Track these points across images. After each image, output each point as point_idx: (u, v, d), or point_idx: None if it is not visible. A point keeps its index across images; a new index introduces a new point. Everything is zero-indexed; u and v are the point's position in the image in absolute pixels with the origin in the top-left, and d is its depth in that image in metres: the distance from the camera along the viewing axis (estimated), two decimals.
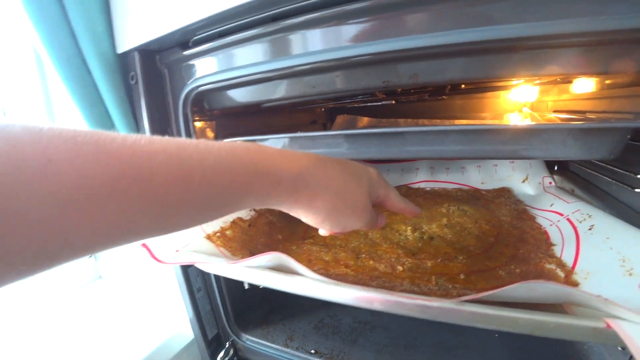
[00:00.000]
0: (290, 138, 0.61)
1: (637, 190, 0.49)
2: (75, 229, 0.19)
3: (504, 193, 0.70)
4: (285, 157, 0.30)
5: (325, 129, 0.98)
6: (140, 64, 0.58)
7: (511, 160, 0.75)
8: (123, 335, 0.78)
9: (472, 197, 0.70)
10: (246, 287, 0.71)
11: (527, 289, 0.31)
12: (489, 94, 0.84)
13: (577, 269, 0.42)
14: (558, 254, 0.46)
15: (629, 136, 0.48)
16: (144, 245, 0.47)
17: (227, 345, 0.76)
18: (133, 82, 0.60)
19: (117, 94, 0.60)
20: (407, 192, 0.76)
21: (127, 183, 0.21)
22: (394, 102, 0.81)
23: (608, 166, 0.58)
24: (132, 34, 0.57)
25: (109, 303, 0.91)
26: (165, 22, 0.52)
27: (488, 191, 0.72)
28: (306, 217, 0.33)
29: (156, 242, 0.48)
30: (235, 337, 0.75)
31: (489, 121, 0.84)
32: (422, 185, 0.79)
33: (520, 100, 0.83)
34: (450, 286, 0.40)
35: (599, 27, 0.34)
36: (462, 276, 0.42)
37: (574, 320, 0.30)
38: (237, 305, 0.74)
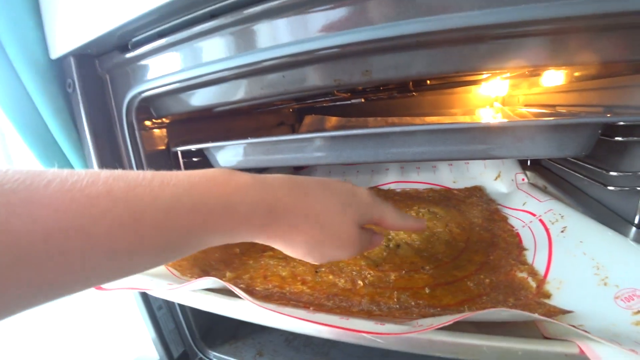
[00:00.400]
0: (250, 144, 0.57)
1: (609, 188, 0.46)
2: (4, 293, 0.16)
3: (476, 192, 0.67)
4: (256, 187, 0.26)
5: (293, 130, 0.94)
6: (77, 69, 0.54)
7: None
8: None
9: (443, 197, 0.67)
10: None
11: (492, 313, 0.28)
12: (459, 89, 0.81)
13: (549, 277, 0.40)
14: (530, 260, 0.44)
15: (600, 131, 0.46)
16: None
17: None
18: (70, 90, 0.54)
19: (54, 103, 0.55)
20: (377, 194, 0.73)
21: (64, 238, 0.17)
22: (363, 100, 0.78)
23: (580, 162, 0.56)
24: (65, 37, 0.52)
25: (62, 327, 0.85)
26: (99, 22, 0.48)
27: (460, 190, 0.70)
28: (285, 251, 0.30)
29: None
30: (202, 355, 0.71)
31: (451, 118, 0.81)
32: (392, 186, 0.76)
33: (491, 95, 0.80)
34: (412, 303, 0.37)
35: (562, 13, 0.31)
36: (427, 290, 0.39)
37: (544, 345, 0.27)
38: (202, 321, 0.70)
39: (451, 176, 0.74)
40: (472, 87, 0.81)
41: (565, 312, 0.32)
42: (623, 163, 0.48)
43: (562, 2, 0.32)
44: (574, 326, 0.27)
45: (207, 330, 0.72)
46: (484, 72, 0.53)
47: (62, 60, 0.54)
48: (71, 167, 0.61)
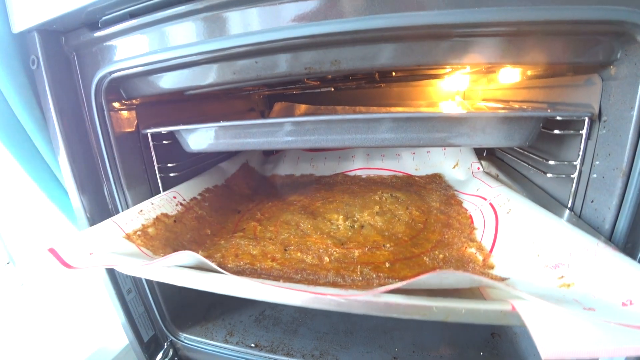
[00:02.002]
0: (221, 128, 0.58)
1: (548, 175, 0.52)
2: None
3: (436, 179, 0.72)
4: None
5: (263, 116, 0.96)
6: (41, 46, 0.52)
7: (443, 147, 0.78)
8: (49, 347, 0.71)
9: (405, 183, 0.72)
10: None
11: (439, 277, 0.32)
12: (424, 82, 0.86)
13: (494, 252, 0.45)
14: (479, 238, 0.49)
15: (541, 124, 0.52)
16: (51, 250, 0.43)
17: (165, 347, 0.72)
18: (34, 66, 0.53)
19: (15, 79, 0.53)
20: (343, 179, 0.77)
21: None
22: (332, 89, 0.81)
23: (526, 152, 0.62)
24: (29, 11, 0.50)
25: (32, 312, 0.83)
26: None
27: (421, 177, 0.75)
28: None
29: (66, 245, 0.44)
30: (173, 338, 0.71)
31: (415, 109, 0.86)
32: (358, 172, 0.80)
33: (453, 89, 0.86)
34: (374, 275, 0.41)
35: (520, 18, 0.36)
36: (387, 265, 0.43)
37: (483, 304, 0.31)
38: (173, 303, 0.71)
39: (414, 164, 0.78)
40: (436, 81, 0.86)
41: (503, 279, 0.37)
42: (560, 153, 0.54)
43: (509, 8, 0.36)
44: (514, 288, 0.31)
45: (178, 313, 0.72)
46: (446, 67, 0.57)
47: (25, 34, 0.52)
48: (34, 147, 0.59)
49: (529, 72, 0.63)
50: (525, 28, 0.40)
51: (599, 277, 0.33)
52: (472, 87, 0.84)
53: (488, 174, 0.71)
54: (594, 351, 0.25)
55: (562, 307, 0.28)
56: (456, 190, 0.67)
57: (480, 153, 0.78)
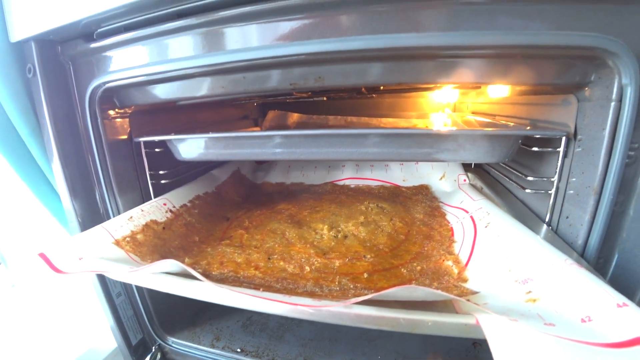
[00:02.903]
0: (211, 139, 0.59)
1: (527, 190, 0.54)
2: None
3: (423, 190, 0.74)
4: None
5: (256, 124, 0.97)
6: (38, 55, 0.54)
7: None
8: (38, 348, 0.72)
9: (392, 194, 0.73)
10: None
11: (408, 290, 0.33)
12: (414, 94, 0.88)
13: (469, 265, 0.46)
14: (457, 251, 0.50)
15: (520, 141, 0.53)
16: (41, 255, 0.44)
17: (153, 350, 0.73)
18: (30, 75, 0.55)
19: (11, 87, 0.55)
20: (332, 189, 0.78)
21: None
22: (325, 98, 0.82)
23: (508, 167, 0.63)
24: (28, 21, 0.52)
25: (22, 314, 0.84)
26: (64, 10, 0.49)
27: (408, 188, 0.76)
28: None
29: (56, 250, 0.45)
30: (161, 342, 0.72)
31: (405, 121, 0.87)
32: (347, 182, 0.81)
33: (443, 101, 0.87)
34: (351, 286, 0.42)
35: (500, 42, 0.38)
36: (365, 275, 0.44)
37: (449, 318, 0.33)
38: (161, 308, 0.72)
39: (402, 175, 0.80)
40: (427, 93, 0.87)
41: (474, 292, 0.38)
42: (540, 169, 0.56)
43: (488, 33, 0.38)
44: (476, 304, 0.33)
45: (166, 317, 0.74)
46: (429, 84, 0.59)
47: (22, 44, 0.54)
48: (28, 151, 0.60)
49: (512, 89, 0.65)
50: (505, 51, 0.41)
51: (562, 293, 0.34)
52: (462, 99, 0.86)
53: (473, 186, 0.72)
54: None
55: (522, 323, 0.29)
56: (441, 202, 0.68)
57: (468, 165, 0.80)
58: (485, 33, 0.39)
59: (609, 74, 0.40)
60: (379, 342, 0.67)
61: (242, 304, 0.36)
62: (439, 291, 0.32)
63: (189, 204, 0.65)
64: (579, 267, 0.36)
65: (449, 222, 0.59)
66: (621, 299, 0.31)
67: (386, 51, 0.38)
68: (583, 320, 0.31)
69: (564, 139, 0.48)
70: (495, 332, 0.29)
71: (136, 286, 0.67)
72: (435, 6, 0.38)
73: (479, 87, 0.66)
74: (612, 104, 0.40)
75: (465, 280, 0.43)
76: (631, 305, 0.30)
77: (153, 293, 0.70)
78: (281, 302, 0.32)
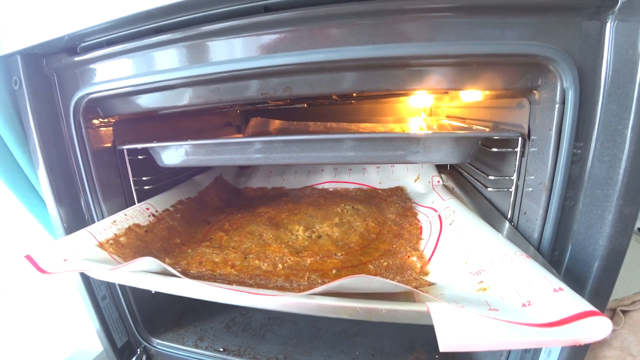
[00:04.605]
0: (192, 146, 0.62)
1: (489, 189, 0.57)
2: None
3: (398, 192, 0.77)
4: None
5: (239, 131, 1.00)
6: (23, 68, 0.56)
7: None
8: (25, 352, 0.74)
9: (368, 196, 0.76)
10: (153, 291, 0.71)
11: (365, 280, 0.36)
12: (391, 99, 0.92)
13: (432, 260, 0.49)
14: (422, 247, 0.53)
15: (480, 142, 0.57)
16: (27, 256, 0.46)
17: (138, 352, 0.75)
18: (16, 86, 0.57)
19: None
20: (311, 192, 0.81)
21: None
22: (305, 105, 0.86)
23: (474, 168, 0.67)
24: (13, 36, 0.54)
25: (6, 320, 0.85)
26: (48, 26, 0.51)
27: (384, 190, 0.79)
28: None
29: (42, 252, 0.47)
30: (146, 344, 0.74)
31: (383, 126, 0.91)
32: (326, 185, 0.84)
33: (419, 106, 0.91)
34: (319, 281, 0.45)
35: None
36: (334, 271, 0.47)
37: (402, 306, 0.36)
38: (146, 310, 0.74)
39: (378, 177, 0.83)
40: (403, 99, 0.91)
41: (430, 284, 0.41)
42: (502, 169, 0.59)
43: (435, 43, 0.41)
44: (429, 295, 0.36)
45: (150, 320, 0.75)
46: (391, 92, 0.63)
47: (8, 57, 0.56)
48: (15, 161, 0.63)
49: (486, 93, 0.68)
50: (461, 60, 0.45)
51: (509, 282, 0.37)
52: (437, 104, 0.90)
53: (446, 187, 0.76)
54: (484, 344, 0.30)
55: (467, 309, 0.32)
56: (414, 203, 0.71)
57: (443, 167, 0.83)
58: (438, 44, 0.42)
59: (552, 79, 0.43)
60: (357, 339, 0.69)
61: (213, 296, 0.38)
62: (394, 282, 0.35)
63: (171, 209, 0.67)
64: (526, 258, 0.39)
65: (419, 221, 0.62)
66: (558, 284, 0.34)
67: (342, 62, 0.41)
68: (524, 305, 0.34)
69: (520, 139, 0.51)
70: (441, 317, 0.32)
71: (121, 289, 0.69)
72: (393, 21, 0.41)
73: (447, 93, 0.70)
74: (557, 106, 0.43)
75: (426, 274, 0.46)
76: (566, 289, 0.33)
77: (137, 296, 0.72)
78: (248, 293, 0.35)
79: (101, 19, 0.47)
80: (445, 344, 0.29)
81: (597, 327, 0.28)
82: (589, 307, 0.30)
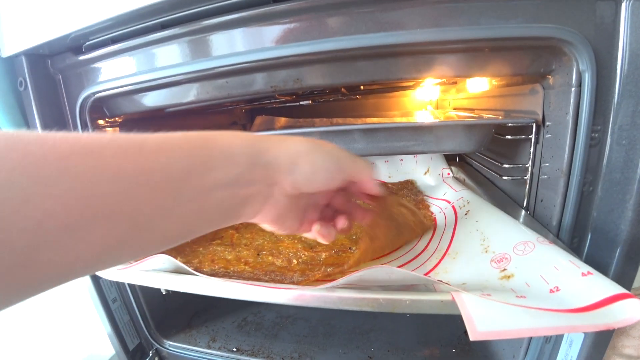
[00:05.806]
0: None
1: (504, 178, 0.56)
2: None
3: (408, 185, 0.76)
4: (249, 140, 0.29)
5: (245, 129, 0.99)
6: (29, 69, 0.56)
7: (415, 155, 0.82)
8: (37, 357, 0.73)
9: None
10: (163, 292, 0.70)
11: (387, 271, 0.35)
12: (397, 93, 0.91)
13: (450, 250, 0.48)
14: (439, 238, 0.52)
15: (493, 130, 0.56)
16: None
17: (150, 355, 0.74)
18: (22, 88, 0.56)
19: (4, 100, 0.56)
20: None
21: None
22: (311, 102, 0.85)
23: (486, 158, 0.66)
24: (18, 37, 0.54)
25: (15, 325, 0.84)
26: (52, 26, 0.51)
27: (394, 184, 0.78)
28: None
29: None
30: (158, 345, 0.73)
31: (389, 120, 0.90)
32: None
33: (425, 99, 0.90)
34: (337, 275, 0.44)
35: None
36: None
37: (426, 295, 0.35)
38: (157, 312, 0.73)
39: (387, 171, 0.82)
40: (410, 92, 0.90)
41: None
42: (515, 158, 0.58)
43: (449, 29, 0.40)
44: (447, 283, 0.35)
45: (162, 321, 0.75)
46: (404, 81, 0.62)
47: (13, 58, 0.56)
48: None
49: (494, 82, 0.67)
50: (473, 45, 0.44)
51: (534, 268, 0.36)
52: (443, 96, 0.89)
53: (457, 179, 0.75)
54: (515, 331, 0.29)
55: (494, 297, 0.31)
56: (426, 195, 0.70)
57: (452, 159, 0.82)
58: (451, 29, 0.41)
59: (568, 62, 0.42)
60: (372, 335, 0.68)
61: (231, 293, 0.37)
62: (415, 273, 0.34)
63: None
64: (549, 244, 0.38)
65: (433, 213, 0.61)
66: (586, 268, 0.33)
67: (354, 51, 0.41)
68: (552, 291, 0.33)
69: (534, 125, 0.50)
70: (469, 306, 0.31)
71: (131, 291, 0.68)
72: (402, 7, 0.41)
73: (456, 82, 0.69)
74: (573, 89, 0.42)
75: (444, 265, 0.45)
76: (595, 273, 0.32)
77: (148, 297, 0.71)
78: (268, 287, 0.34)
79: (106, 15, 0.46)
80: (475, 333, 0.28)
81: (633, 310, 0.27)
82: (621, 290, 0.29)
